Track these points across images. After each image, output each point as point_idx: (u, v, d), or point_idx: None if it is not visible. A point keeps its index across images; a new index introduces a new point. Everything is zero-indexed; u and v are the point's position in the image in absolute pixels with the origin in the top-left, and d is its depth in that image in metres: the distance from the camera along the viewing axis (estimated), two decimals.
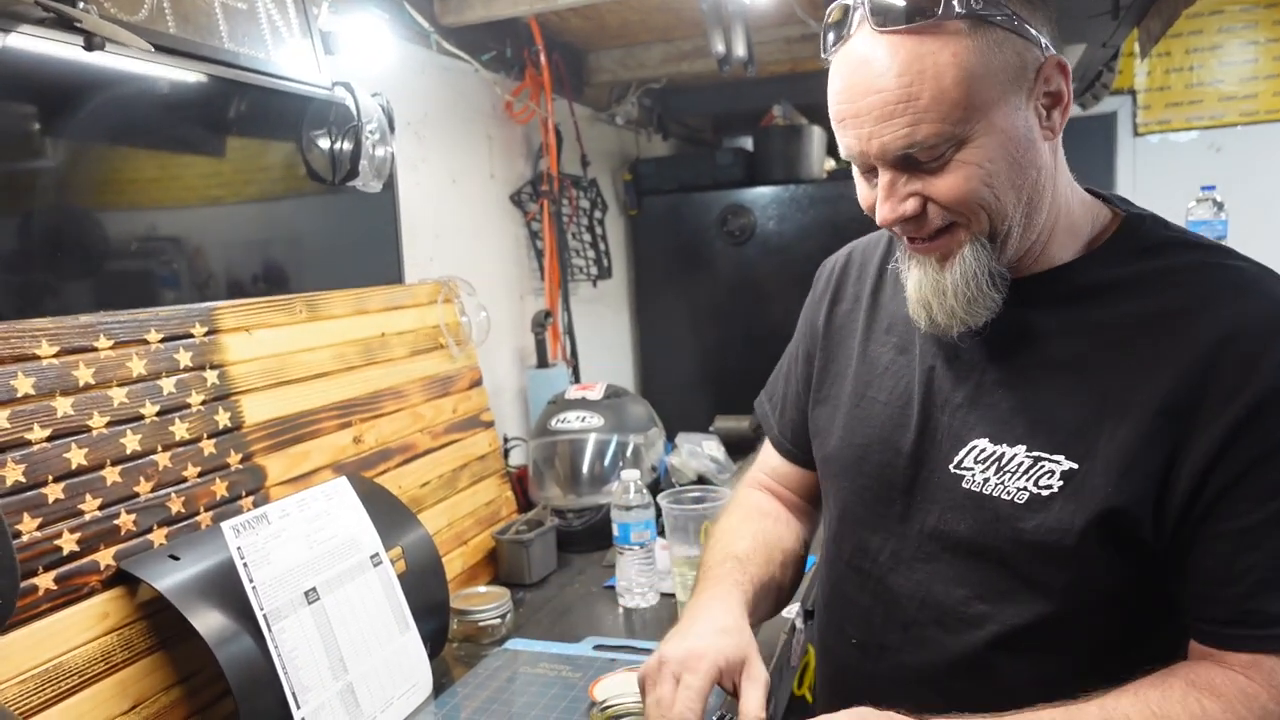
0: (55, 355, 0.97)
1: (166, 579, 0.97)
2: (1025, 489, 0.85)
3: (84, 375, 0.99)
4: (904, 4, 0.77)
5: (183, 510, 1.07)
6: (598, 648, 1.30)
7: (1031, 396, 0.87)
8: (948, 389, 0.93)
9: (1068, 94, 0.84)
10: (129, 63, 1.14)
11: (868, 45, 0.80)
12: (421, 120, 1.84)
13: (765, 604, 1.04)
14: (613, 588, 1.51)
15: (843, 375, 1.06)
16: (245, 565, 1.01)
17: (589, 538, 1.72)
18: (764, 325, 2.66)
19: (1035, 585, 0.86)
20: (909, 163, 0.82)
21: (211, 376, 1.15)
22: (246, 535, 1.04)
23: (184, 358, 1.12)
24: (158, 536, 1.03)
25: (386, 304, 1.52)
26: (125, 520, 1.00)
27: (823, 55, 0.87)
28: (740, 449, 2.22)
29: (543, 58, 2.10)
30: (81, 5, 1.00)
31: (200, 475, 1.10)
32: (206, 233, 1.30)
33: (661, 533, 1.48)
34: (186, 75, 1.23)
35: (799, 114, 2.85)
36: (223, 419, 1.15)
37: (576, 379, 2.34)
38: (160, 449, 1.06)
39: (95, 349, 1.01)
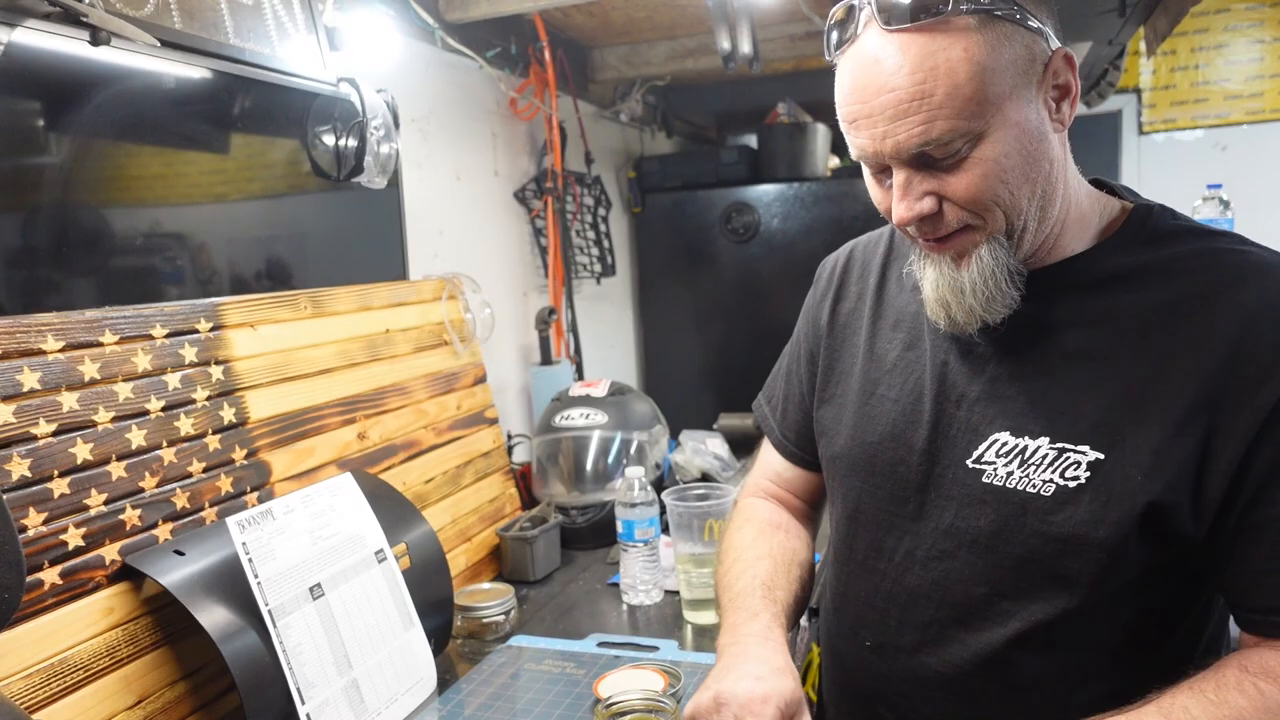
0: (61, 350, 0.97)
1: (172, 574, 0.98)
2: (1051, 481, 0.84)
3: (89, 370, 0.99)
4: (911, 2, 0.77)
5: (188, 506, 1.07)
6: (602, 644, 1.30)
7: (1050, 388, 0.87)
8: (963, 383, 0.93)
9: (1076, 86, 0.84)
10: (134, 58, 1.14)
11: (877, 45, 0.80)
12: (426, 117, 1.84)
13: (791, 626, 1.04)
14: (616, 585, 1.51)
15: (849, 373, 1.05)
16: (250, 561, 1.01)
17: (592, 535, 1.72)
18: (768, 323, 2.66)
19: (1061, 579, 0.85)
20: (924, 161, 0.82)
21: (216, 372, 1.15)
22: (251, 531, 1.04)
23: (189, 353, 1.12)
24: (163, 532, 1.03)
25: (391, 300, 1.52)
26: (130, 515, 1.00)
27: (828, 56, 0.87)
28: (744, 447, 2.22)
29: (547, 54, 2.10)
30: (88, 0, 1.00)
31: (205, 471, 1.10)
32: (211, 229, 1.30)
33: (665, 530, 1.48)
34: (191, 71, 1.23)
35: (803, 111, 2.85)
36: (228, 415, 1.15)
37: (580, 376, 2.33)
38: (165, 444, 1.06)
39: (100, 344, 1.01)
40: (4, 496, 0.73)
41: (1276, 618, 0.79)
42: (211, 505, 1.10)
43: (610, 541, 1.67)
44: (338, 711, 1.03)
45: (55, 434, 0.94)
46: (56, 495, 0.93)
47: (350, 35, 1.47)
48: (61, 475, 0.94)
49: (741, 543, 1.11)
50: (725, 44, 1.89)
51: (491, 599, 1.35)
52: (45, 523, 0.91)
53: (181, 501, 1.07)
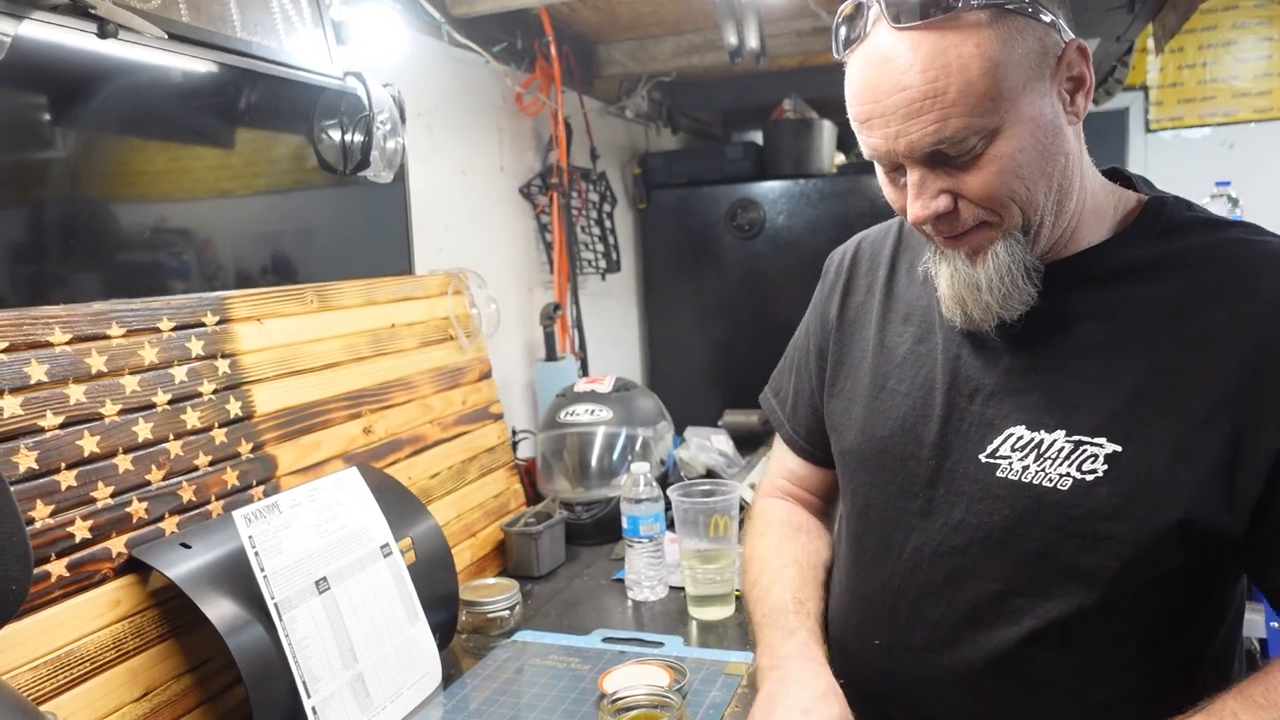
0: (68, 343, 0.97)
1: (178, 567, 0.98)
2: (1068, 475, 0.83)
3: (96, 363, 0.99)
4: None
5: (194, 499, 1.07)
6: (606, 640, 1.29)
7: (1065, 381, 0.86)
8: (976, 377, 0.92)
9: (1089, 77, 0.83)
10: (141, 52, 1.14)
11: (887, 43, 0.79)
12: (432, 112, 1.84)
13: (826, 633, 1.04)
14: (621, 581, 1.51)
15: (859, 367, 1.04)
16: (256, 554, 1.01)
17: (597, 531, 1.72)
18: (773, 320, 2.66)
19: (1078, 575, 0.84)
20: (938, 159, 0.81)
21: (223, 365, 1.15)
22: (258, 524, 1.04)
23: (196, 346, 1.12)
24: (169, 525, 1.03)
25: (396, 295, 1.52)
26: (137, 508, 1.00)
27: (836, 54, 0.86)
28: (749, 443, 2.22)
29: (553, 49, 2.10)
30: None
31: (211, 464, 1.10)
32: (217, 224, 1.30)
33: (670, 526, 1.48)
34: (198, 65, 1.23)
35: (809, 108, 2.84)
36: (234, 408, 1.15)
37: (585, 372, 2.33)
38: (172, 437, 1.06)
39: (108, 337, 1.01)
40: (11, 488, 0.73)
41: None
42: (218, 499, 1.10)
43: (615, 537, 1.66)
44: (343, 705, 1.03)
45: (62, 426, 0.94)
46: (64, 487, 0.93)
47: (357, 29, 1.46)
48: (69, 468, 0.94)
49: (765, 551, 1.11)
50: (732, 38, 1.89)
51: (496, 594, 1.35)
52: (52, 515, 0.91)
53: (188, 495, 1.07)
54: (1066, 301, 0.87)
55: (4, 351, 0.90)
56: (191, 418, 1.09)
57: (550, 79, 2.14)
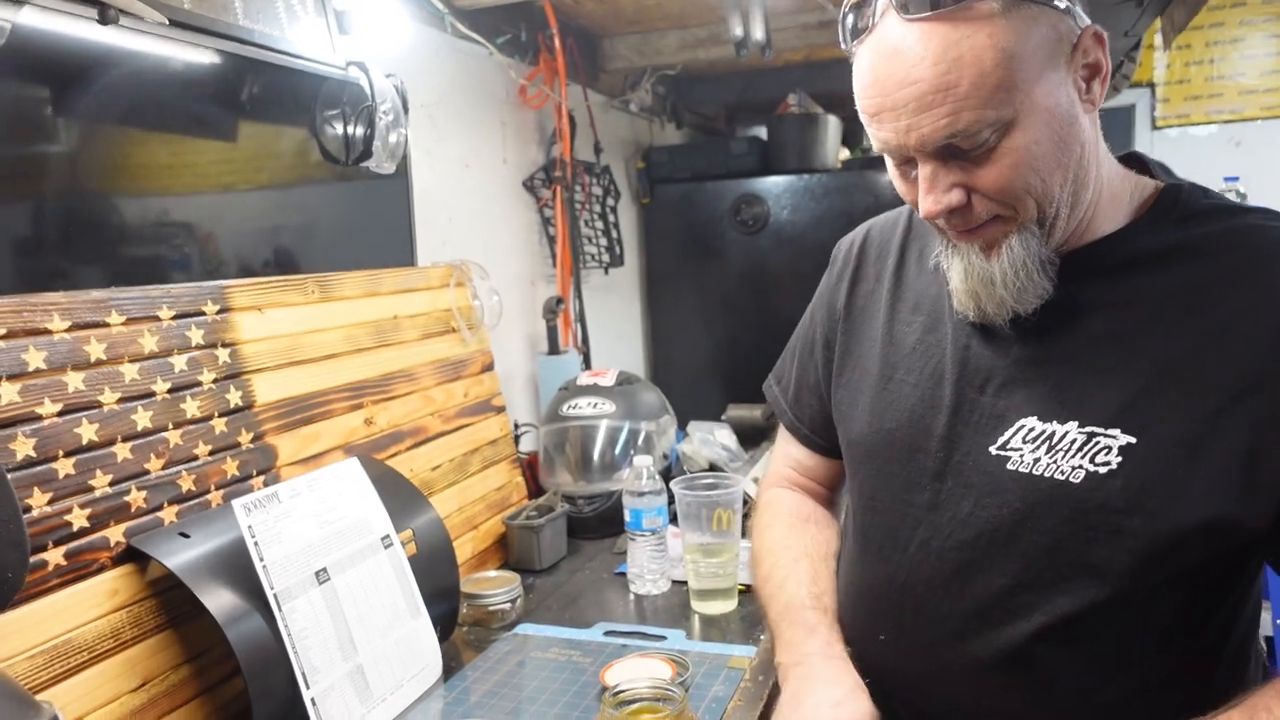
0: (67, 330, 0.96)
1: (177, 556, 0.97)
2: (1081, 467, 0.81)
3: (95, 351, 0.98)
4: None
5: (193, 488, 1.07)
6: (608, 633, 1.29)
7: (1078, 371, 0.84)
8: (986, 367, 0.90)
9: (1106, 64, 0.81)
10: (141, 40, 1.13)
11: (897, 35, 0.77)
12: (435, 103, 1.83)
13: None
14: (623, 574, 1.50)
15: (867, 357, 1.03)
16: (256, 544, 1.01)
17: (599, 524, 1.71)
18: (776, 315, 2.63)
19: (1090, 570, 0.82)
20: (950, 152, 0.79)
21: (223, 355, 1.14)
22: (257, 514, 1.03)
23: (196, 335, 1.11)
24: (168, 514, 1.03)
25: (399, 286, 1.51)
26: (136, 497, 0.99)
27: (844, 46, 0.84)
28: (752, 438, 2.21)
29: (557, 42, 2.09)
30: None
31: (211, 453, 1.10)
32: (218, 216, 1.29)
33: (673, 520, 1.47)
34: (200, 54, 1.22)
35: (814, 103, 2.83)
36: (234, 398, 1.14)
37: (588, 366, 2.32)
38: (171, 426, 1.05)
39: (107, 324, 1.00)
40: (9, 476, 0.72)
41: None
42: (217, 488, 1.10)
43: (617, 531, 1.66)
44: (343, 697, 1.03)
45: (61, 414, 0.93)
46: (61, 475, 0.92)
47: (360, 19, 1.45)
48: (66, 455, 0.93)
49: (775, 543, 1.09)
50: (738, 30, 1.88)
51: (497, 587, 1.35)
52: (50, 503, 0.91)
53: (187, 484, 1.06)
54: (1080, 290, 0.85)
55: (2, 338, 0.90)
56: (191, 407, 1.08)
57: (554, 72, 2.13)
